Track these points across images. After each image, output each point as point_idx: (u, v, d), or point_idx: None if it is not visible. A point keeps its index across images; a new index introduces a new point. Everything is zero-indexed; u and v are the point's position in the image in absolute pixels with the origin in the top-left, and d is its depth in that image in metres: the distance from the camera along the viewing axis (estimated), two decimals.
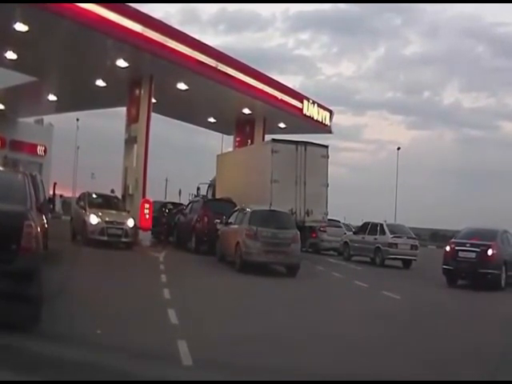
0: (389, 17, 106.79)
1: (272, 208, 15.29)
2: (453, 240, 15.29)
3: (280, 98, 23.85)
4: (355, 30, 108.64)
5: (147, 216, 19.63)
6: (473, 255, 13.91)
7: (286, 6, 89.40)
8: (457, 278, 14.72)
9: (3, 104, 27.39)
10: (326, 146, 18.81)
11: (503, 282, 13.98)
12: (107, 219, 17.13)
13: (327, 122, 27.43)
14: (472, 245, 14.12)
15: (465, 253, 14.04)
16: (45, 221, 10.31)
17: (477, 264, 13.76)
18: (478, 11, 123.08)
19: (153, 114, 21.02)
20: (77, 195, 23.57)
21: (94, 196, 19.15)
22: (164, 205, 23.04)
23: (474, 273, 13.95)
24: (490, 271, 13.69)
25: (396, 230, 20.58)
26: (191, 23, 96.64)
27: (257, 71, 22.84)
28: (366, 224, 21.21)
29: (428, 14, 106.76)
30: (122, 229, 17.21)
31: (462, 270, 14.28)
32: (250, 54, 76.31)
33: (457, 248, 14.33)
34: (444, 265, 14.52)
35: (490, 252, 13.82)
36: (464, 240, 14.59)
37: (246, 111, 24.44)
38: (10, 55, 18.28)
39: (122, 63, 18.33)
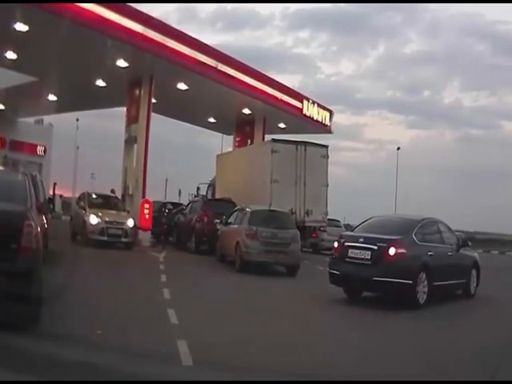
0: (389, 15, 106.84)
1: (272, 208, 15.31)
2: (344, 233, 11.66)
3: (280, 98, 23.83)
4: (355, 29, 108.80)
5: (147, 216, 19.62)
6: (367, 255, 9.57)
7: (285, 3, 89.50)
8: (352, 287, 10.27)
9: (3, 104, 27.38)
10: (326, 146, 18.82)
11: (421, 297, 9.57)
12: (107, 219, 17.15)
13: (327, 122, 27.42)
14: (367, 240, 9.72)
15: (356, 251, 9.71)
16: (45, 221, 10.32)
17: (371, 268, 9.45)
18: (478, 9, 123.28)
19: (153, 114, 21.01)
20: (77, 195, 23.57)
21: (94, 196, 19.18)
22: (164, 205, 23.03)
23: (367, 281, 9.55)
24: (389, 279, 9.22)
25: None
26: (189, 22, 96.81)
27: (257, 71, 22.83)
28: None
29: (428, 13, 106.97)
30: (121, 229, 17.23)
31: (352, 277, 9.80)
32: (249, 53, 76.41)
33: (346, 244, 10.00)
34: (329, 268, 10.38)
35: (391, 251, 9.40)
36: (359, 233, 10.35)
37: (246, 111, 24.43)
38: (10, 55, 18.27)
39: (122, 63, 18.32)
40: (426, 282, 9.63)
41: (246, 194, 18.04)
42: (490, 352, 6.43)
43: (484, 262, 12.52)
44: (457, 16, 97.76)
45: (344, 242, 10.15)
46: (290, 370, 5.22)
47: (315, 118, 26.26)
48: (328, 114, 27.60)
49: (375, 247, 9.53)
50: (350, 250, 9.85)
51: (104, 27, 15.90)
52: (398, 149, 51.15)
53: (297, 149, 17.85)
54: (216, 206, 18.67)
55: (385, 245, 9.49)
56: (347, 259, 9.83)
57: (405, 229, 10.15)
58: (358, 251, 9.70)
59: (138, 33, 17.17)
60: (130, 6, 17.25)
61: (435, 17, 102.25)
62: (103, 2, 16.00)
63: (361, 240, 9.82)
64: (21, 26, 15.42)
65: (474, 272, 11.53)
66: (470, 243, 12.26)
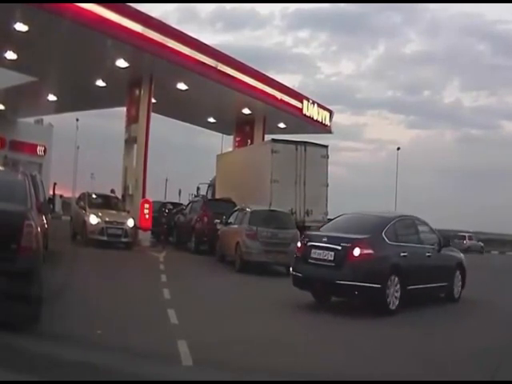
0: (388, 15, 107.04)
1: (272, 208, 15.31)
2: (308, 232, 10.67)
3: (280, 98, 23.83)
4: (355, 28, 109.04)
5: (147, 216, 19.63)
6: (330, 256, 8.76)
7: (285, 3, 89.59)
8: (315, 290, 9.40)
9: (3, 104, 27.38)
10: (326, 146, 18.81)
11: (392, 302, 8.72)
12: (107, 219, 17.14)
13: (327, 122, 27.42)
14: (331, 240, 8.93)
15: (319, 252, 8.92)
16: (45, 221, 10.32)
17: (334, 271, 8.67)
18: (478, 9, 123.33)
19: (153, 114, 21.02)
20: (77, 195, 23.58)
21: (94, 196, 19.17)
22: (164, 205, 23.03)
23: (330, 285, 8.79)
24: (354, 283, 8.43)
25: None
26: (189, 22, 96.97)
27: (257, 71, 22.83)
28: None
29: (428, 13, 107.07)
30: (121, 229, 17.22)
31: (314, 280, 9.03)
32: (248, 53, 76.51)
33: (309, 244, 9.21)
34: (292, 269, 9.60)
35: (356, 252, 8.59)
36: (324, 232, 9.62)
37: (246, 111, 24.44)
38: (10, 55, 18.27)
39: (121, 63, 18.33)
40: (398, 286, 8.78)
41: (246, 194, 18.04)
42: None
43: (483, 262, 12.22)
44: (457, 16, 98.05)
45: (307, 241, 9.36)
46: (289, 370, 5.22)
47: (315, 118, 26.26)
48: (328, 114, 27.61)
49: (339, 247, 8.72)
50: (312, 251, 9.04)
51: (104, 27, 15.91)
52: (398, 149, 51.35)
53: (297, 149, 17.84)
54: (216, 205, 18.66)
55: (349, 245, 8.67)
56: (310, 260, 9.04)
57: (374, 227, 9.26)
58: (321, 252, 8.88)
59: (138, 33, 17.17)
60: (129, 6, 17.26)
61: (435, 17, 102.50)
62: (103, 2, 16.01)
63: (324, 239, 9.02)
64: (21, 26, 15.42)
65: (458, 274, 10.62)
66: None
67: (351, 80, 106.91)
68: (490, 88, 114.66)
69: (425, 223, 10.45)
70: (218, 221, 16.76)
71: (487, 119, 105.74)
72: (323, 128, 27.19)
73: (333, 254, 8.73)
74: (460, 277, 10.69)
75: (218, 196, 21.62)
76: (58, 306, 6.73)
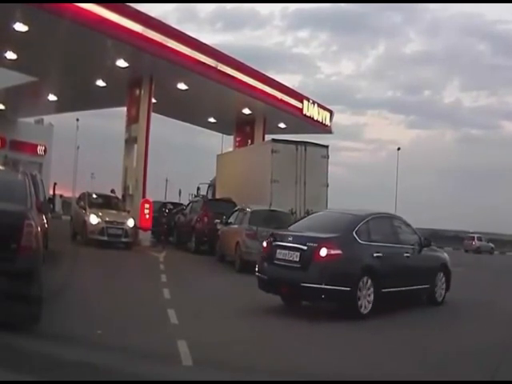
0: (389, 15, 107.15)
1: (272, 208, 15.30)
2: (275, 230, 9.85)
3: (280, 98, 23.83)
4: (355, 28, 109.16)
5: (147, 216, 19.63)
6: (295, 257, 8.17)
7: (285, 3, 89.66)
8: (281, 294, 8.77)
9: (3, 104, 27.39)
10: (326, 146, 18.80)
11: (364, 305, 8.11)
12: (107, 219, 17.15)
13: (327, 122, 27.42)
14: (297, 239, 8.38)
15: (285, 252, 8.33)
16: (45, 221, 10.32)
17: (300, 273, 8.07)
18: (478, 9, 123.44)
19: (153, 114, 21.03)
20: (77, 195, 23.58)
21: (94, 196, 19.18)
22: (164, 205, 23.03)
23: (295, 288, 8.19)
24: (320, 286, 7.83)
25: None
26: (189, 21, 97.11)
27: (257, 71, 22.83)
28: None
29: (428, 13, 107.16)
30: (122, 229, 17.23)
31: (279, 282, 8.41)
32: (248, 53, 76.56)
33: (275, 244, 8.62)
34: (257, 271, 8.89)
35: (322, 252, 7.95)
36: (290, 231, 9.06)
37: (246, 111, 24.43)
38: (10, 55, 18.28)
39: (122, 63, 18.33)
40: (371, 289, 8.16)
41: (246, 194, 18.04)
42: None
43: (482, 262, 11.98)
44: (457, 16, 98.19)
45: (272, 240, 8.73)
46: (289, 370, 5.22)
47: (315, 118, 26.25)
48: (328, 114, 27.60)
49: (304, 248, 8.09)
50: (278, 251, 8.43)
51: (104, 27, 15.91)
52: (399, 149, 51.37)
53: (297, 149, 17.83)
54: (216, 205, 18.66)
55: (315, 245, 8.03)
56: (275, 261, 8.44)
57: (345, 226, 8.62)
58: (287, 252, 8.29)
59: (138, 33, 17.18)
60: (129, 6, 17.25)
61: (435, 17, 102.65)
62: (103, 2, 16.01)
63: (289, 239, 8.43)
64: (21, 26, 15.43)
65: (441, 276, 9.95)
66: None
67: (351, 80, 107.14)
68: (490, 88, 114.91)
69: (404, 222, 9.87)
70: (218, 221, 16.76)
71: (487, 119, 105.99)
72: (323, 128, 27.18)
73: (298, 254, 8.13)
74: (444, 279, 10.01)
75: (218, 196, 21.62)
76: (58, 306, 6.73)
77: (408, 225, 9.88)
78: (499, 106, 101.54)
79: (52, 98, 24.68)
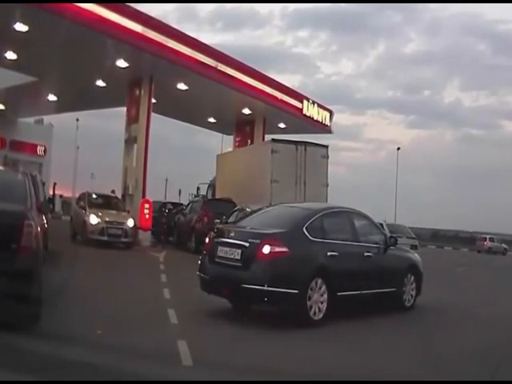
0: (389, 15, 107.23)
1: None
2: (218, 226, 9.23)
3: (280, 98, 23.85)
4: (354, 28, 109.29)
5: (147, 216, 19.64)
6: (237, 255, 7.36)
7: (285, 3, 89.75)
8: (223, 295, 7.87)
9: (3, 104, 27.41)
10: (326, 146, 18.81)
11: (316, 312, 7.29)
12: (107, 219, 17.14)
13: (327, 122, 27.43)
14: (239, 235, 7.59)
15: (226, 249, 7.52)
16: (45, 221, 10.31)
17: (241, 272, 7.25)
18: (478, 9, 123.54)
19: (153, 114, 21.04)
20: (77, 195, 23.59)
21: (94, 196, 19.17)
22: (164, 205, 23.04)
23: (236, 289, 7.36)
24: (263, 288, 6.96)
25: (396, 229, 20.63)
26: (188, 21, 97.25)
27: (257, 71, 22.84)
28: None
29: (428, 12, 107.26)
30: (121, 229, 17.22)
31: (220, 283, 7.61)
32: (248, 52, 76.86)
33: (217, 240, 7.82)
34: (198, 270, 8.03)
35: (265, 249, 7.11)
36: (234, 227, 8.60)
37: (246, 111, 24.45)
38: (10, 55, 18.29)
39: (122, 63, 18.34)
40: (324, 292, 7.35)
41: (246, 194, 18.04)
42: None
43: (482, 262, 11.61)
44: (457, 15, 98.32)
45: (215, 236, 7.93)
46: (289, 370, 5.22)
47: (315, 118, 26.26)
48: (328, 114, 27.61)
49: (246, 244, 7.25)
50: (219, 248, 7.61)
51: (104, 27, 15.91)
52: (398, 149, 51.41)
53: (297, 149, 17.84)
54: (216, 205, 18.66)
55: (257, 241, 7.19)
56: (217, 259, 7.63)
57: (294, 221, 7.75)
58: (228, 249, 7.46)
59: (138, 33, 17.19)
60: (129, 6, 17.27)
61: (435, 16, 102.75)
62: (103, 2, 16.01)
63: (231, 235, 7.66)
64: (21, 26, 15.44)
65: (410, 278, 9.06)
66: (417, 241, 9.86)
67: (351, 80, 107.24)
68: (490, 88, 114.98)
69: (366, 218, 8.92)
70: (218, 221, 16.75)
71: (487, 119, 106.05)
72: (323, 128, 27.19)
73: (240, 252, 7.28)
74: (413, 281, 9.11)
75: (218, 196, 21.61)
76: (57, 306, 6.73)
77: (372, 221, 9.06)
78: (499, 106, 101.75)
79: (52, 97, 24.70)
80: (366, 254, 8.26)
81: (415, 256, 9.71)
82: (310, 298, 7.20)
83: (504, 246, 45.97)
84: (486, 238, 45.76)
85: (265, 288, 6.95)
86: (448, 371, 5.54)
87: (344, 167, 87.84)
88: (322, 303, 7.34)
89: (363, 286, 8.00)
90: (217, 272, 7.62)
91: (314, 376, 4.98)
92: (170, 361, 5.21)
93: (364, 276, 8.08)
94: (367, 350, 6.28)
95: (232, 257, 7.39)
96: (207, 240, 8.18)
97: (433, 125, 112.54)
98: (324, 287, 7.36)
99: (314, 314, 7.26)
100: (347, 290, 7.69)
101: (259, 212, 8.92)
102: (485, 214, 60.36)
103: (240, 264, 7.28)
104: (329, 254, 7.55)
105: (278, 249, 7.13)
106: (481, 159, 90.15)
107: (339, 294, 7.52)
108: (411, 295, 9.08)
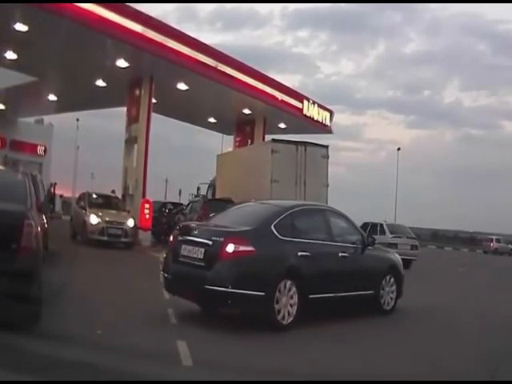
0: (389, 15, 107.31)
1: None
2: (183, 223, 8.15)
3: (280, 98, 23.84)
4: (355, 28, 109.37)
5: (147, 216, 19.64)
6: (200, 254, 6.95)
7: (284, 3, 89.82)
8: (185, 296, 7.41)
9: (3, 104, 27.41)
10: (326, 146, 18.79)
11: (285, 316, 6.91)
12: (107, 219, 17.16)
13: (327, 122, 27.42)
14: (202, 233, 7.20)
15: (190, 248, 7.11)
16: (45, 221, 10.32)
17: (204, 272, 6.78)
18: (478, 9, 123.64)
19: (153, 114, 21.03)
20: (77, 195, 23.60)
21: (94, 196, 19.19)
22: (164, 205, 23.03)
23: (198, 290, 6.90)
24: (227, 289, 6.54)
25: (396, 230, 20.59)
26: (188, 21, 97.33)
27: (257, 71, 22.83)
28: (365, 224, 21.19)
29: (428, 12, 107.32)
30: (122, 229, 17.24)
31: (183, 283, 7.22)
32: (248, 52, 77.00)
33: (181, 238, 7.43)
34: (162, 269, 7.75)
35: (229, 248, 6.68)
36: (199, 224, 8.22)
37: (246, 111, 24.45)
38: (10, 55, 18.29)
39: (122, 63, 18.34)
40: (294, 295, 6.95)
41: (246, 194, 18.01)
42: None
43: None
44: (457, 15, 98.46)
45: (179, 234, 7.54)
46: (289, 370, 5.22)
47: (315, 119, 26.26)
48: (328, 115, 27.61)
49: (209, 243, 6.85)
50: (183, 246, 7.19)
51: (104, 27, 15.91)
52: (399, 149, 51.41)
53: (297, 149, 17.82)
54: (216, 205, 18.60)
55: (221, 239, 6.78)
56: (180, 258, 7.21)
57: (262, 218, 7.32)
58: (191, 248, 7.05)
59: (138, 33, 17.19)
60: (129, 6, 17.26)
61: (435, 16, 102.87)
62: (103, 2, 16.02)
63: (195, 232, 7.24)
64: (21, 26, 15.44)
65: (389, 280, 8.63)
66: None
67: (351, 80, 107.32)
68: (490, 88, 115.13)
69: (342, 216, 8.43)
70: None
71: (487, 119, 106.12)
72: (323, 128, 27.18)
73: (203, 250, 6.87)
74: (393, 283, 8.69)
75: (218, 196, 21.59)
76: (57, 306, 6.73)
77: (349, 220, 8.50)
78: (499, 106, 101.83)
79: (52, 97, 24.70)
80: (341, 254, 7.86)
81: (395, 256, 9.22)
82: (278, 301, 6.81)
83: (510, 246, 46.09)
84: (492, 239, 45.77)
85: (228, 290, 6.54)
86: (448, 371, 5.54)
87: (344, 167, 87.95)
88: (291, 306, 6.95)
89: (338, 289, 7.60)
90: (180, 272, 7.20)
91: (313, 376, 4.98)
92: (169, 361, 5.21)
93: (339, 277, 7.69)
94: (326, 357, 5.93)
95: (195, 256, 6.97)
96: (171, 238, 7.83)
97: (433, 125, 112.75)
98: (294, 289, 6.96)
99: (283, 318, 6.88)
100: (320, 292, 7.30)
101: (231, 209, 8.57)
102: (485, 214, 60.37)
103: (203, 264, 6.85)
104: (299, 254, 7.14)
105: (242, 248, 6.69)
106: (481, 159, 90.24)
107: (311, 296, 7.15)
108: (391, 298, 8.65)
